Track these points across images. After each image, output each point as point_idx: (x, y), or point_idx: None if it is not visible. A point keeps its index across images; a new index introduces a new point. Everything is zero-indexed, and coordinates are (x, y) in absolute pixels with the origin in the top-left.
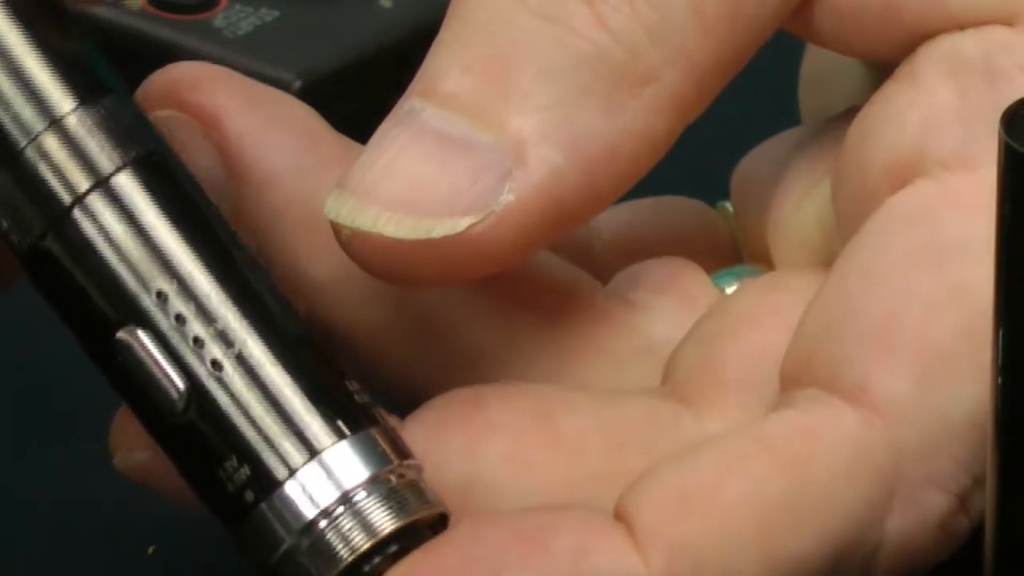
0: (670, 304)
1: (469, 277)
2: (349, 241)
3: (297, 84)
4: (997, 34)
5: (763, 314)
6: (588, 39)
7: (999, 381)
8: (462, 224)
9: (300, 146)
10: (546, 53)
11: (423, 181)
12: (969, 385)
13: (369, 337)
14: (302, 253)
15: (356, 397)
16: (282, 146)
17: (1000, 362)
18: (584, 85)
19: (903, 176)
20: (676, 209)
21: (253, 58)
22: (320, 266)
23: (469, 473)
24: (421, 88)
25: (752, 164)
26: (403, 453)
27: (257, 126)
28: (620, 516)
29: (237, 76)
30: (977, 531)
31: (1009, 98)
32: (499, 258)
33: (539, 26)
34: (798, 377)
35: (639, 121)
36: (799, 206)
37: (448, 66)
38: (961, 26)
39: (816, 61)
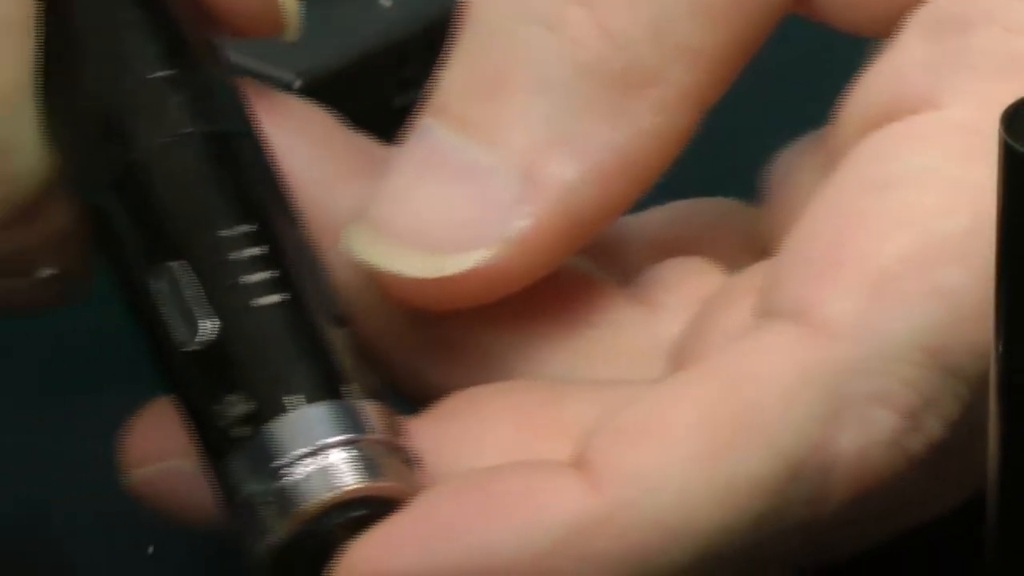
0: (684, 303)
1: (488, 302)
2: (370, 278)
3: (297, 84)
4: None
5: (751, 289)
6: (589, 47)
7: (999, 382)
8: (474, 258)
9: (317, 154)
10: (547, 65)
11: (434, 214)
12: (916, 307)
13: (384, 339)
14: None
15: (373, 382)
16: (299, 154)
17: (1000, 364)
18: (588, 95)
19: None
20: (712, 210)
21: (253, 58)
22: (335, 271)
23: (476, 466)
24: (434, 105)
25: (778, 162)
26: (395, 433)
27: (275, 134)
28: (575, 461)
29: (256, 84)
30: (977, 530)
31: (978, 43)
32: (516, 284)
33: (539, 36)
34: (756, 313)
35: (649, 122)
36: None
37: (456, 82)
38: None
39: None
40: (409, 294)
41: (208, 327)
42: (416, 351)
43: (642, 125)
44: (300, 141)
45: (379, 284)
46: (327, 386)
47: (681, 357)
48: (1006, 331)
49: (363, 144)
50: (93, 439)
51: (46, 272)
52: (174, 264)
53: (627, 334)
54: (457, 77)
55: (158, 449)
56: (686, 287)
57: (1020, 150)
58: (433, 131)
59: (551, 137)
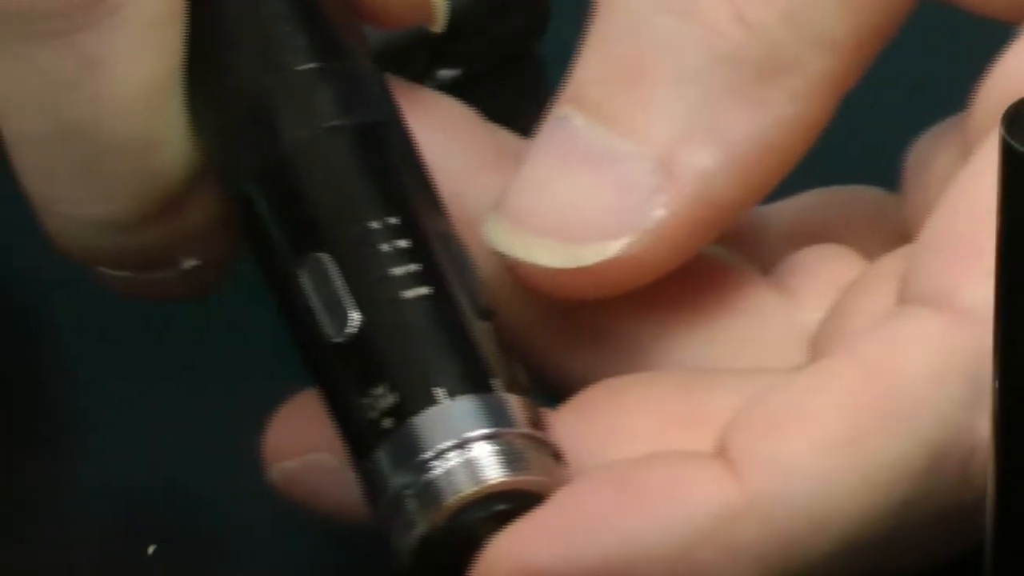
0: (824, 290)
1: (628, 290)
2: (509, 267)
3: None
4: None
5: (891, 276)
6: (727, 38)
7: (999, 383)
8: (614, 248)
9: (457, 146)
10: (685, 55)
11: (573, 204)
12: None
13: (524, 331)
14: None
15: (517, 374)
16: (439, 146)
17: (1000, 364)
18: (726, 84)
19: None
20: (851, 197)
21: None
22: (476, 263)
23: (618, 457)
24: (570, 94)
25: (916, 149)
26: (539, 426)
27: (414, 127)
28: (718, 452)
29: (393, 79)
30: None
31: None
32: (653, 273)
33: (677, 26)
34: (897, 300)
35: (786, 111)
36: None
37: (591, 72)
38: None
39: None
40: (547, 284)
41: (356, 319)
42: (556, 342)
43: (779, 113)
44: (439, 133)
45: (517, 275)
46: (472, 379)
47: (822, 345)
48: (1005, 331)
49: (502, 136)
50: (92, 440)
51: (190, 264)
52: (322, 255)
53: (768, 322)
54: (592, 67)
55: (300, 443)
56: (826, 275)
57: (1020, 150)
58: (569, 120)
59: (689, 126)
